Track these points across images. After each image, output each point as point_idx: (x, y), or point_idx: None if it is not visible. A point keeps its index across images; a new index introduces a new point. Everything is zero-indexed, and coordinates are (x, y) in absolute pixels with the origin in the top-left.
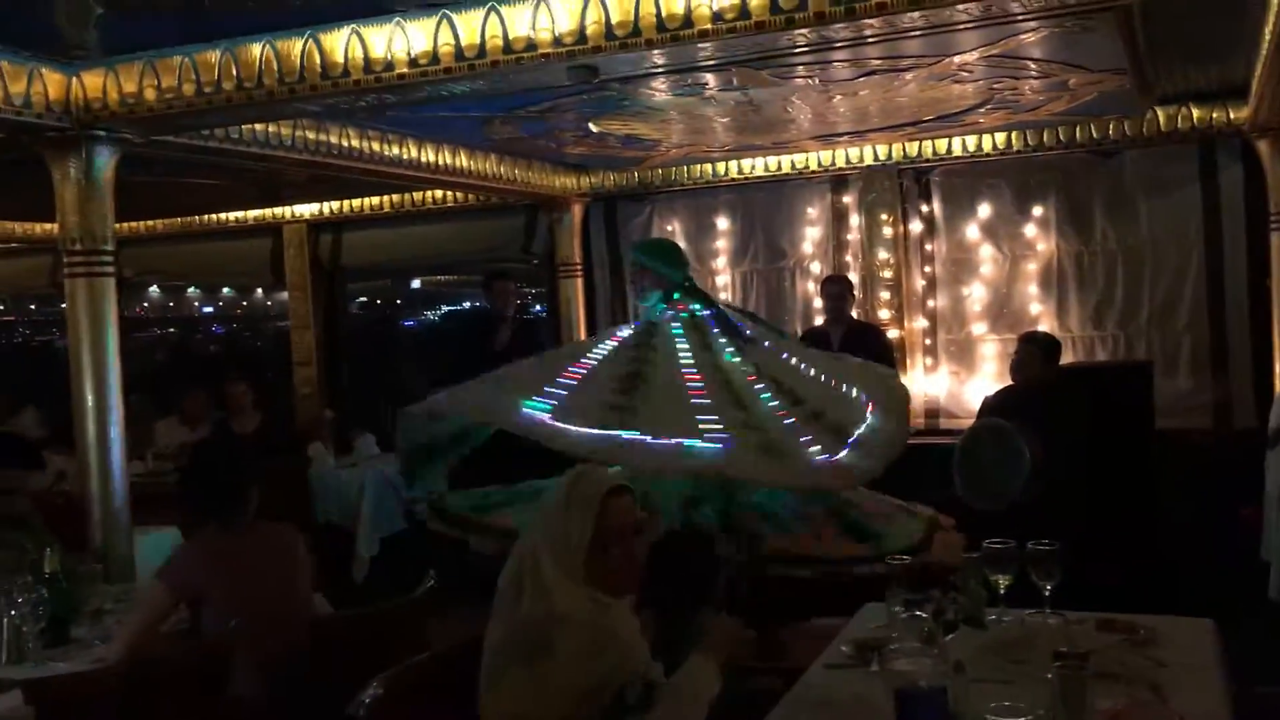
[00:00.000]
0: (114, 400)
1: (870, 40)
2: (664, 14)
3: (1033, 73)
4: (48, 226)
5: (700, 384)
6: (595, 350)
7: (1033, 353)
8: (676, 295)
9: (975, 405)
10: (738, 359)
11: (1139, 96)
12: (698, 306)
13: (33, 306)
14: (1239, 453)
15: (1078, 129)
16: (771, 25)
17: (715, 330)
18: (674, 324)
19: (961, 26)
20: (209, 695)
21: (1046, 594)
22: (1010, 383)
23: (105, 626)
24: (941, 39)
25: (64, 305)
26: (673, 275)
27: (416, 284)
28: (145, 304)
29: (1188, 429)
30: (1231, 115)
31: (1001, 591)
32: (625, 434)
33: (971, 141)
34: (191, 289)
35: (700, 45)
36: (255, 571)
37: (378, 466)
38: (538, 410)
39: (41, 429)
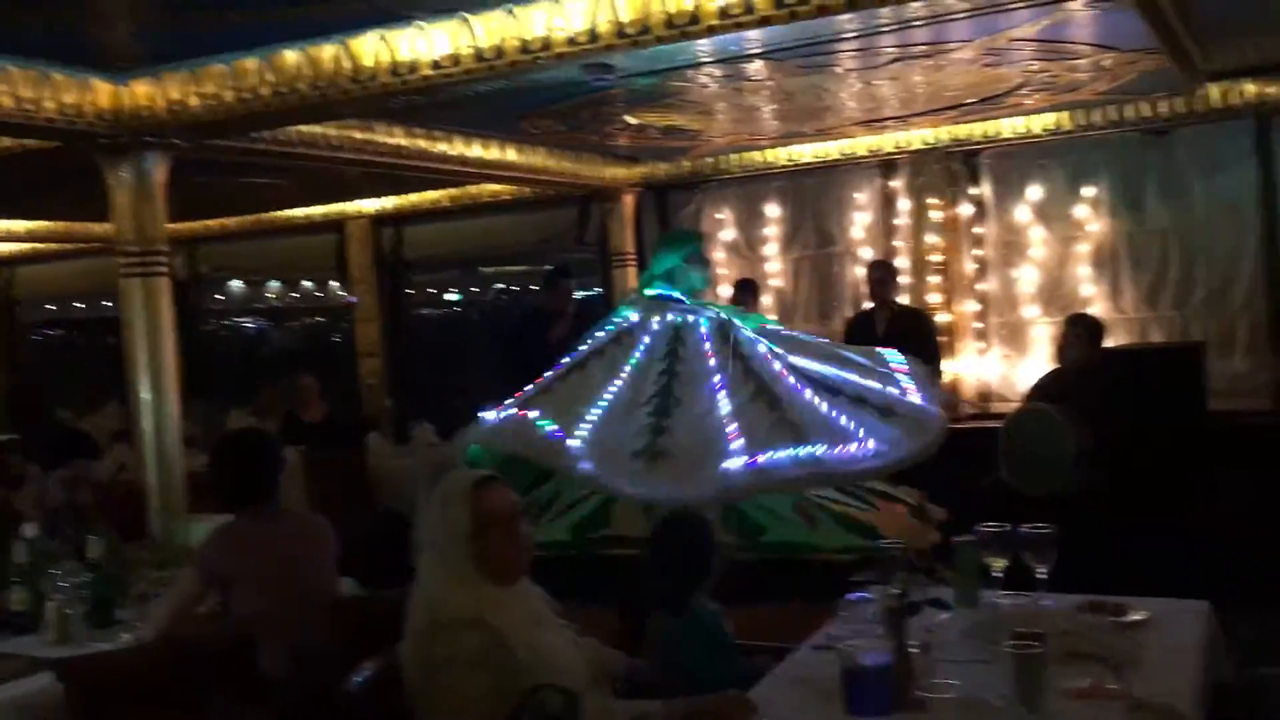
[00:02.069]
0: (170, 396)
1: (859, 34)
2: (672, 11)
3: (1062, 55)
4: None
5: (728, 400)
6: (622, 370)
7: (1079, 334)
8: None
9: (1026, 389)
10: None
11: (1183, 74)
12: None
13: (81, 306)
14: None
15: (1128, 108)
16: (776, 19)
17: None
18: (702, 330)
19: (960, 14)
20: (238, 675)
21: (1041, 577)
22: (1058, 366)
23: (149, 609)
24: (945, 27)
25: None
26: (656, 269)
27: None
28: (223, 298)
29: (1245, 410)
30: None
31: (996, 574)
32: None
33: (1021, 123)
34: (273, 283)
35: (708, 40)
36: (282, 557)
37: (435, 455)
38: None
39: (121, 421)
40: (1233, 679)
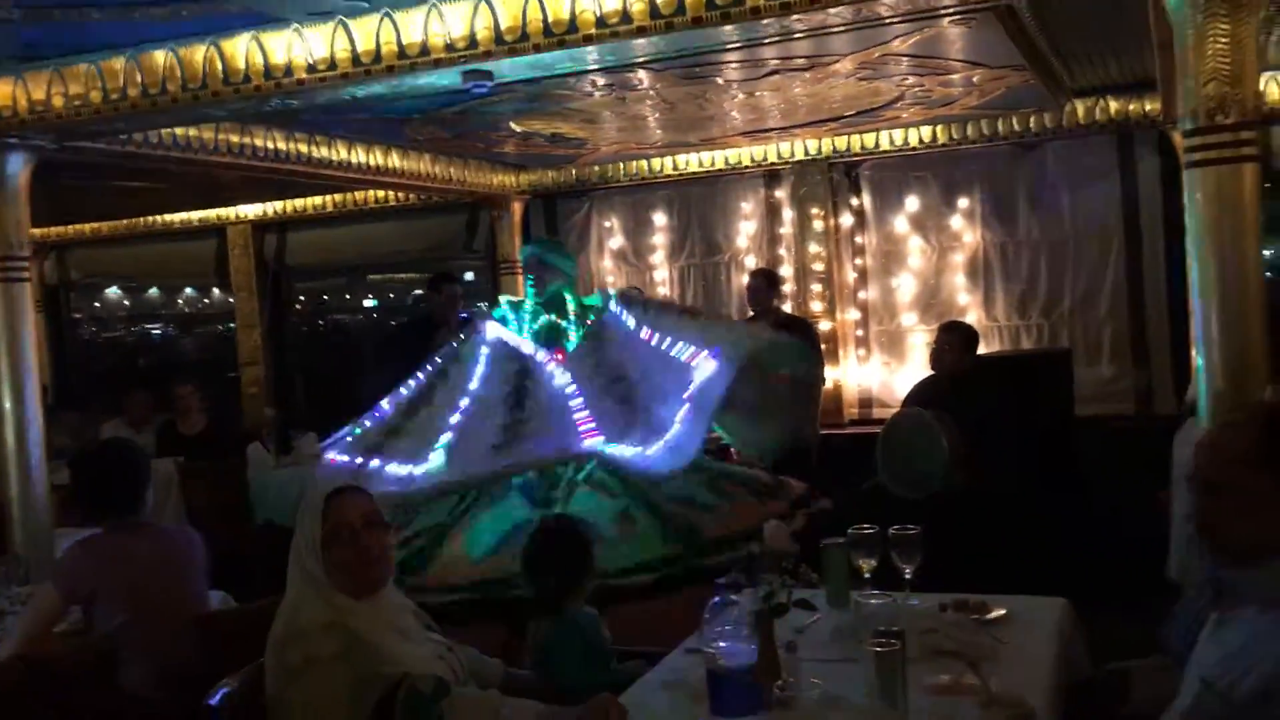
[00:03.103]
0: (33, 405)
1: (737, 45)
2: (550, 19)
3: (934, 70)
4: None
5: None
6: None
7: (952, 342)
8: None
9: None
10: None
11: (1050, 91)
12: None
13: None
14: (1159, 437)
15: (1000, 122)
16: (653, 29)
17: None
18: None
19: (836, 29)
20: (99, 694)
21: (907, 576)
22: (932, 372)
23: (6, 626)
24: (818, 41)
25: None
26: (572, 272)
27: None
28: (98, 304)
29: (1110, 415)
30: (1147, 107)
31: (866, 575)
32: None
33: (898, 135)
34: (153, 290)
35: (586, 49)
36: (146, 571)
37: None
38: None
39: None
40: (1092, 674)
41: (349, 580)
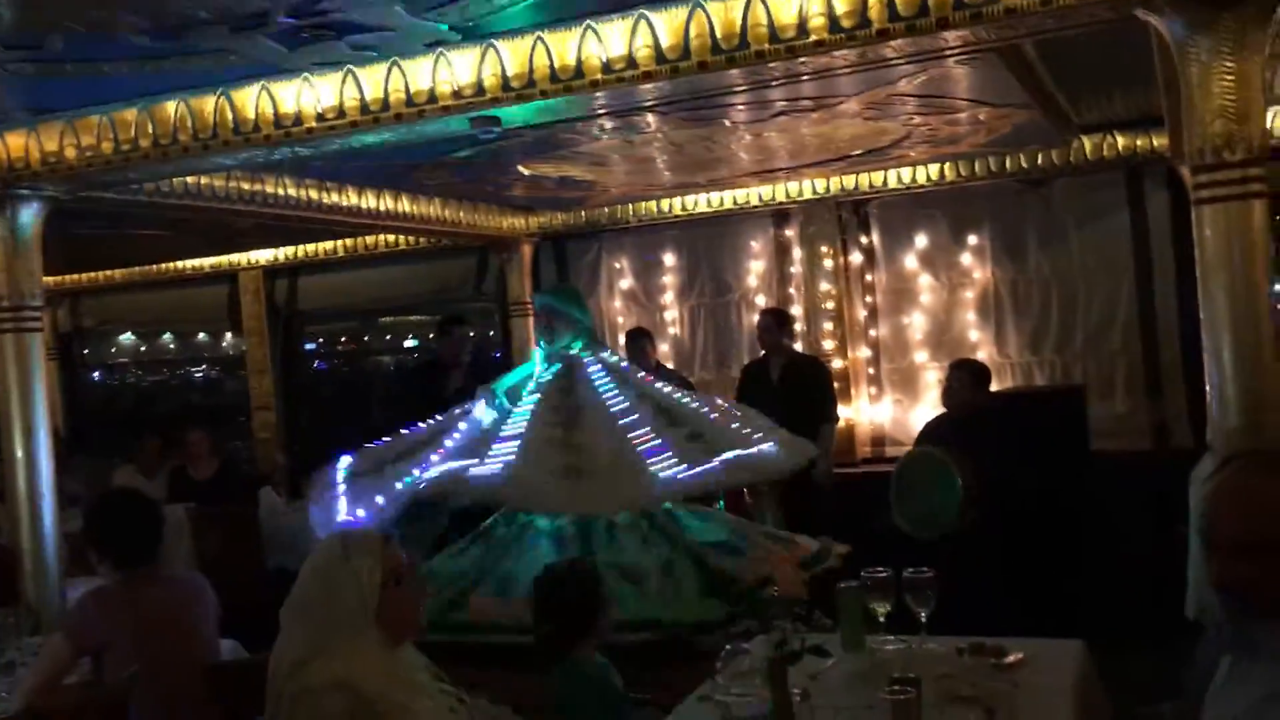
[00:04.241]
0: (43, 453)
1: (743, 88)
2: (557, 65)
3: (940, 109)
4: None
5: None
6: (516, 416)
7: (962, 379)
8: (581, 341)
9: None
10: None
11: (1057, 127)
12: (607, 353)
13: None
14: (1177, 472)
15: (1007, 159)
16: (658, 74)
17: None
18: (592, 366)
19: (842, 71)
20: None
21: (923, 620)
22: (943, 410)
23: (16, 678)
24: (824, 83)
25: None
26: (584, 320)
27: None
28: (111, 351)
29: (1126, 450)
30: (1155, 143)
31: (881, 619)
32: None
33: (906, 174)
34: (166, 336)
35: (592, 95)
36: (156, 621)
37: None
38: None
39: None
40: (1112, 718)
41: (398, 624)
